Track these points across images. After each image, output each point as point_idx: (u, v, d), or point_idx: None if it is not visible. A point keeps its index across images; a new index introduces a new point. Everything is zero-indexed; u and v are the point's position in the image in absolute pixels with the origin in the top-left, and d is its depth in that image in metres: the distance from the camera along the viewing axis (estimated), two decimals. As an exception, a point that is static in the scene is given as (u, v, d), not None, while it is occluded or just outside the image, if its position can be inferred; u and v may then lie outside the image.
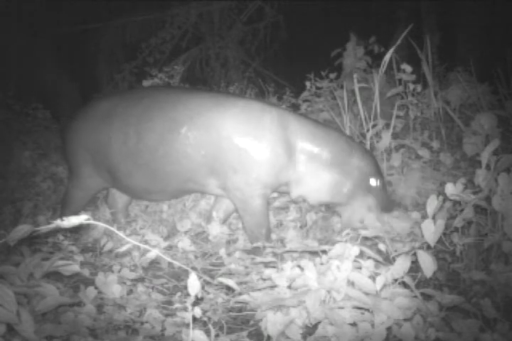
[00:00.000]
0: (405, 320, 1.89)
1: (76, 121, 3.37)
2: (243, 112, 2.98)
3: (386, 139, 3.49)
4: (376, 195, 3.06)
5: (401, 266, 2.00)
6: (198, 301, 2.06)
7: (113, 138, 3.14)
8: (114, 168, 3.20)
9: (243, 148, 2.93)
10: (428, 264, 2.05)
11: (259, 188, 2.97)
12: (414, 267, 2.17)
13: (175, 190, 3.26)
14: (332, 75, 4.52)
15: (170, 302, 2.29)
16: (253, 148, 2.93)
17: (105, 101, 3.31)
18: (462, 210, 2.46)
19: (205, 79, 7.46)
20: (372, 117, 3.65)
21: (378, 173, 3.10)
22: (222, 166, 2.98)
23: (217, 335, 2.02)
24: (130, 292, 2.29)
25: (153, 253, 2.18)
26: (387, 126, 3.66)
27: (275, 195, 3.54)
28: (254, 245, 2.71)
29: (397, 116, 3.73)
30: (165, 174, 3.11)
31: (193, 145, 3.00)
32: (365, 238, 2.37)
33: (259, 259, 2.50)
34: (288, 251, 2.60)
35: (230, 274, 2.58)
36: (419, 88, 3.76)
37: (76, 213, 3.38)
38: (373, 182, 3.03)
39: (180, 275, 2.76)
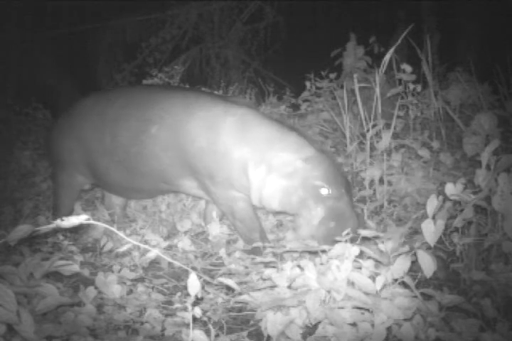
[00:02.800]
0: (405, 320, 1.89)
1: (59, 120, 3.46)
2: (207, 116, 2.95)
3: (386, 139, 3.48)
4: (328, 208, 2.80)
5: (401, 266, 2.00)
6: (198, 301, 2.06)
7: (91, 135, 3.20)
8: (93, 164, 3.25)
9: (205, 153, 2.91)
10: (428, 264, 2.05)
11: (232, 192, 2.94)
12: (414, 267, 2.17)
13: (152, 189, 3.27)
14: (332, 75, 4.52)
15: (170, 302, 2.29)
16: (213, 153, 2.90)
17: (87, 100, 3.38)
18: (462, 210, 2.46)
19: (205, 79, 7.46)
20: (372, 117, 3.65)
21: (335, 186, 2.82)
22: (190, 169, 2.99)
23: (217, 335, 2.03)
24: (130, 292, 2.29)
25: (153, 253, 2.18)
26: (387, 126, 3.66)
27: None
28: (254, 245, 2.71)
29: (397, 116, 3.73)
30: (138, 173, 3.13)
31: (162, 146, 3.00)
32: (365, 238, 2.37)
33: (259, 259, 2.49)
34: (288, 251, 2.59)
35: (230, 274, 2.59)
36: (419, 88, 3.76)
37: (68, 213, 3.42)
38: (324, 192, 2.81)
39: (180, 275, 2.76)
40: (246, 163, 2.88)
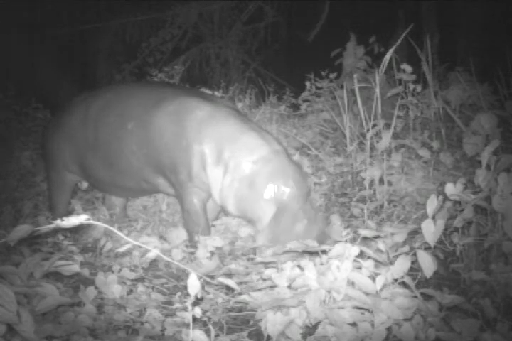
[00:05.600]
0: (405, 320, 1.89)
1: (51, 119, 3.57)
2: (176, 111, 2.93)
3: (386, 139, 3.48)
4: (279, 207, 2.72)
5: (401, 266, 2.00)
6: (198, 301, 2.06)
7: (77, 132, 3.25)
8: (80, 161, 3.29)
9: (172, 148, 2.90)
10: (428, 264, 2.05)
11: (193, 187, 2.92)
12: (414, 267, 2.17)
13: (135, 187, 3.26)
14: (332, 75, 4.52)
15: (170, 302, 2.29)
16: (177, 148, 2.88)
17: (76, 98, 3.43)
18: (462, 210, 2.46)
19: (205, 79, 7.46)
20: (372, 117, 3.65)
21: (283, 185, 2.73)
22: (161, 165, 2.98)
23: (217, 335, 2.02)
24: (130, 292, 2.29)
25: (153, 253, 2.19)
26: (387, 126, 3.66)
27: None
28: (254, 245, 2.71)
29: (397, 116, 3.73)
30: (121, 170, 3.14)
31: (138, 142, 3.01)
32: (365, 238, 2.37)
33: (259, 259, 2.50)
34: (288, 251, 2.60)
35: (230, 274, 2.58)
36: (419, 88, 3.76)
37: (64, 210, 3.43)
38: (270, 189, 2.73)
39: (180, 276, 2.75)
40: (205, 159, 2.84)
